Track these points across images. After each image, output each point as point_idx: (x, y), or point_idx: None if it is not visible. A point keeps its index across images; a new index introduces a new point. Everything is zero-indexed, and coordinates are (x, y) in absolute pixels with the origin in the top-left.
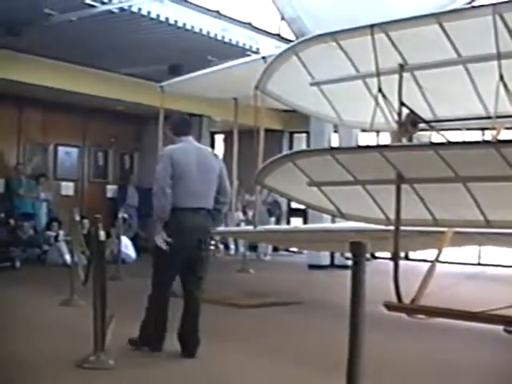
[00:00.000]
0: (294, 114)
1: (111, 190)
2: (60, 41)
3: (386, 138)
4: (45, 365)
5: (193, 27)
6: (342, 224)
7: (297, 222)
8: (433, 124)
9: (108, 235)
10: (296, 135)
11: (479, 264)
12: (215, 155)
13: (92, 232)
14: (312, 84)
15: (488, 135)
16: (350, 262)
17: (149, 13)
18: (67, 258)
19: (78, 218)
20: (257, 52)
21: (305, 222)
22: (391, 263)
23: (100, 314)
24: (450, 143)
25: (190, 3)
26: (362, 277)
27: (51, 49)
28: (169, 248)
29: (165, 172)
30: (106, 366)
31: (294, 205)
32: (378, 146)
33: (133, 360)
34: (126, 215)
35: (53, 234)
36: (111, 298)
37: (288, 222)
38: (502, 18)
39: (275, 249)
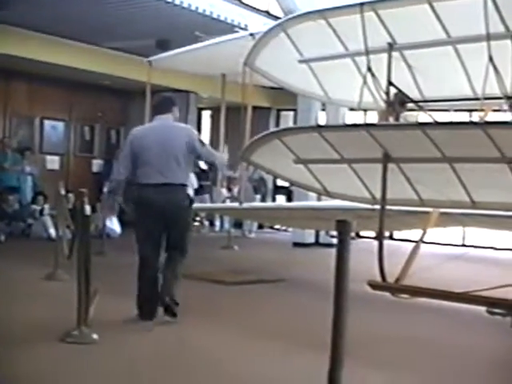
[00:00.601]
0: (281, 92)
1: (97, 164)
2: (47, 14)
3: (373, 117)
4: (28, 338)
5: (181, 2)
6: (327, 202)
7: (282, 200)
8: (421, 104)
9: (93, 210)
10: (283, 113)
11: (463, 245)
12: (186, 130)
13: (77, 206)
14: (300, 61)
15: (476, 116)
16: (334, 241)
17: None
18: (52, 232)
19: (63, 192)
20: (245, 28)
21: (289, 199)
22: (376, 242)
23: (84, 289)
24: (437, 123)
25: None
26: (347, 255)
27: (38, 22)
28: (135, 215)
29: (124, 153)
30: (89, 340)
31: (279, 182)
32: (366, 125)
33: (116, 334)
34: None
35: (38, 207)
36: (95, 273)
37: (273, 200)
38: None
39: (260, 226)
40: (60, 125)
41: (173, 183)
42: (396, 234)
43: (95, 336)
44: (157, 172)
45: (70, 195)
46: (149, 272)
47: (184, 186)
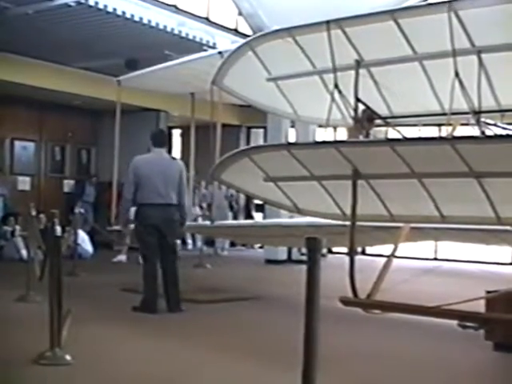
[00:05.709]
0: (251, 109)
1: (68, 184)
2: (16, 34)
3: (344, 134)
4: (0, 360)
5: (150, 22)
6: (299, 219)
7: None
8: (389, 120)
9: (64, 230)
10: (253, 130)
11: (435, 259)
12: (176, 162)
13: (48, 227)
14: (268, 79)
15: (444, 131)
16: (305, 257)
17: (105, 6)
18: (24, 253)
19: (34, 213)
20: (214, 47)
21: (249, 217)
22: (347, 258)
23: (56, 310)
24: (405, 139)
25: None
26: (317, 272)
27: (7, 42)
28: (139, 229)
29: (128, 180)
30: (62, 361)
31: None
32: (334, 142)
33: (90, 355)
34: (82, 210)
35: (9, 229)
36: (68, 294)
37: (246, 217)
38: (457, 16)
39: (233, 244)
40: (31, 145)
41: (166, 203)
42: (368, 249)
43: (68, 357)
44: (154, 194)
45: (42, 216)
46: (151, 269)
47: (175, 205)
